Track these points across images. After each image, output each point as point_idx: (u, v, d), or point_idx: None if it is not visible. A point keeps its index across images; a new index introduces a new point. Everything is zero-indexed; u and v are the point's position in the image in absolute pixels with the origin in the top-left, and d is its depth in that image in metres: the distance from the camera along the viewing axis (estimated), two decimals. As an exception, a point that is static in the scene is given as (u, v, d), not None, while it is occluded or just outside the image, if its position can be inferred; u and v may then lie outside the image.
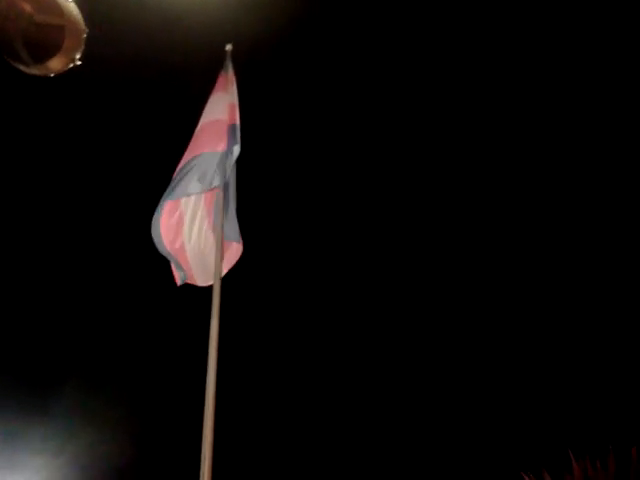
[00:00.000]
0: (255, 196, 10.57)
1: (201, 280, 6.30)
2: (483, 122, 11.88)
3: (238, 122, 6.49)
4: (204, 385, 4.95)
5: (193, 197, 6.37)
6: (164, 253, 6.27)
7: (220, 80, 7.07)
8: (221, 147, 6.33)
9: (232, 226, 6.10)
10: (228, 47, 7.25)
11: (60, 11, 3.23)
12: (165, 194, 6.24)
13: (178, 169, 6.43)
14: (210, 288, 5.55)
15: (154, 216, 6.18)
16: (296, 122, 11.29)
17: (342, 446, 12.00)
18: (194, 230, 6.43)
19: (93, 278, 12.05)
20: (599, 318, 11.66)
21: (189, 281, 6.33)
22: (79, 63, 3.43)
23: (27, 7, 3.13)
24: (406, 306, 12.53)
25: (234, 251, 6.21)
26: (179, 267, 6.29)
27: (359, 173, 12.12)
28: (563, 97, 11.53)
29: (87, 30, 3.42)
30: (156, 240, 6.21)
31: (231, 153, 6.25)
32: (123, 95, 9.15)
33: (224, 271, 6.01)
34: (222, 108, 6.75)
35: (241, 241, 6.14)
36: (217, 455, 4.68)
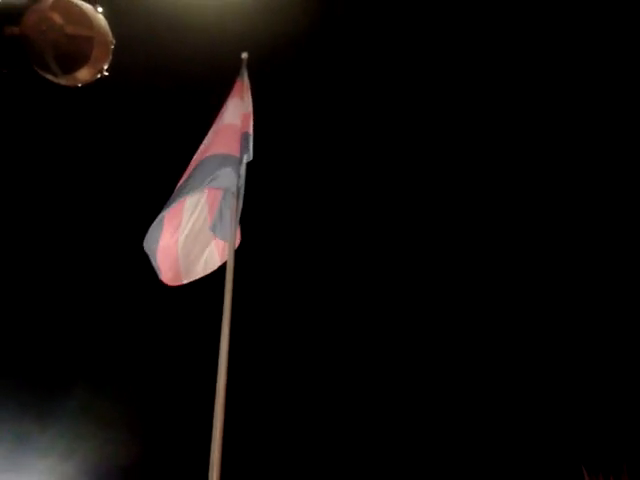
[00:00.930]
0: (269, 199, 10.65)
1: (185, 275, 6.44)
2: (495, 127, 11.89)
3: (251, 131, 6.57)
4: (214, 388, 4.97)
5: (197, 195, 6.45)
6: (148, 251, 6.32)
7: (236, 86, 7.15)
8: (234, 151, 6.40)
9: (228, 227, 6.14)
10: (244, 55, 7.35)
11: (90, 23, 3.27)
12: (171, 199, 6.30)
13: (187, 173, 6.51)
14: (221, 287, 5.62)
15: (158, 218, 6.25)
16: (309, 129, 11.36)
17: (350, 444, 11.98)
18: (189, 225, 6.51)
19: (98, 278, 12.08)
20: (613, 331, 11.62)
21: (165, 280, 6.44)
22: (106, 74, 3.47)
23: (58, 19, 3.18)
24: (418, 302, 12.53)
25: (222, 250, 6.25)
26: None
27: (372, 175, 12.18)
28: (563, 97, 11.53)
29: (114, 41, 3.47)
30: (149, 240, 6.27)
31: (243, 160, 6.34)
32: (140, 104, 9.23)
33: (216, 266, 6.16)
34: (237, 114, 6.82)
35: (236, 243, 6.17)
36: (226, 455, 4.69)
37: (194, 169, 6.46)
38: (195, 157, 6.67)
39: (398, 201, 12.50)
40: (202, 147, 6.75)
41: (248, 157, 6.34)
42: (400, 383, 12.10)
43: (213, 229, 6.44)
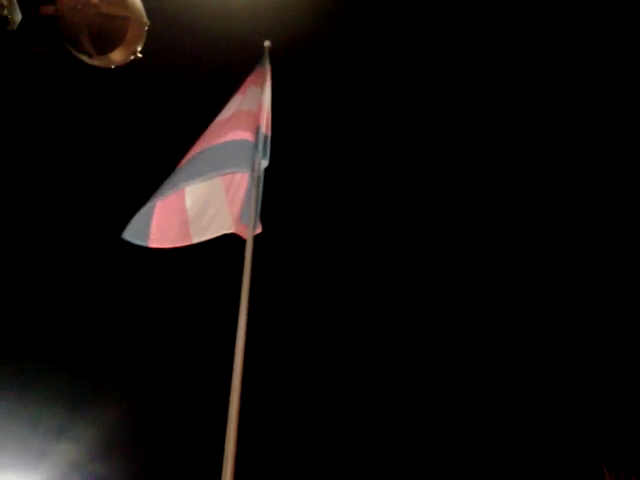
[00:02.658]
0: (288, 193, 10.62)
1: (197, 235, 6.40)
2: (499, 128, 11.82)
3: (265, 127, 6.50)
4: (229, 383, 4.94)
5: (209, 182, 6.43)
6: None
7: (257, 73, 7.07)
8: (251, 138, 6.36)
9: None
10: (267, 43, 7.23)
11: (125, 2, 3.22)
12: (178, 180, 6.26)
13: (190, 157, 6.46)
14: (238, 280, 5.61)
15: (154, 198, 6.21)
16: (329, 122, 11.30)
17: (360, 441, 11.98)
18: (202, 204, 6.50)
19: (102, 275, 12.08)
20: (633, 330, 11.54)
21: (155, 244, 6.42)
22: (140, 56, 3.42)
23: (93, -2, 3.13)
24: (422, 303, 12.51)
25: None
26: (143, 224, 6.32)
27: (389, 170, 12.12)
28: (563, 97, 11.44)
29: (149, 23, 3.42)
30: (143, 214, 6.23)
31: (262, 149, 6.30)
32: (162, 90, 9.19)
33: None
34: (255, 102, 6.76)
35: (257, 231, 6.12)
36: (240, 451, 4.67)
37: (198, 156, 6.41)
38: (201, 142, 6.58)
39: (414, 190, 12.44)
40: (215, 131, 6.66)
41: (265, 163, 6.29)
42: (419, 379, 12.08)
43: (241, 216, 6.35)
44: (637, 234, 11.56)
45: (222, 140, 6.39)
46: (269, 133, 6.46)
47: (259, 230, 6.21)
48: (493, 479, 10.78)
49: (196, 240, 6.51)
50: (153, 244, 6.39)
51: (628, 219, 11.76)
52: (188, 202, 6.47)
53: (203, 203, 6.51)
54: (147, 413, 12.05)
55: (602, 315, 11.80)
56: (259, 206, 6.19)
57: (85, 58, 3.28)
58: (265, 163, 6.25)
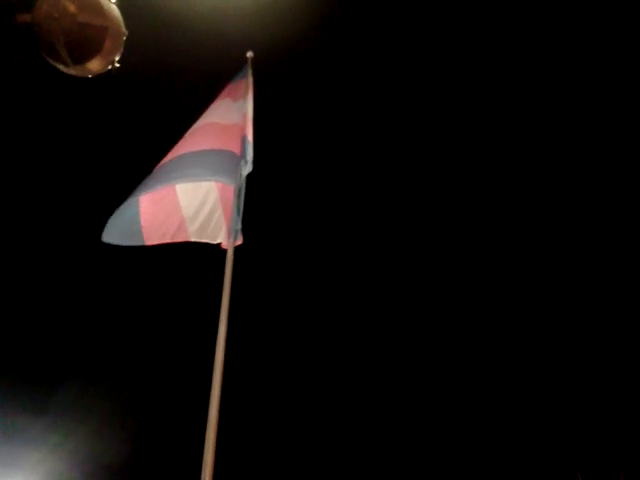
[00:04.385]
0: (270, 200, 10.60)
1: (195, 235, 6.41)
2: (494, 127, 11.86)
3: (251, 135, 6.49)
4: (209, 386, 4.91)
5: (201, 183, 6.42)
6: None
7: (236, 86, 7.06)
8: (237, 150, 6.36)
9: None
10: (249, 54, 7.22)
11: (103, 12, 3.20)
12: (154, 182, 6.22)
13: (175, 156, 6.43)
14: (218, 292, 5.57)
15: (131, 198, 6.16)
16: (311, 128, 11.32)
17: (343, 443, 11.93)
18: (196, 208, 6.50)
19: (91, 273, 11.96)
20: (609, 341, 11.62)
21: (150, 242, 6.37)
22: (118, 66, 3.40)
23: (70, 6, 3.11)
24: (414, 302, 12.51)
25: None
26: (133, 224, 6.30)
27: (373, 175, 12.14)
28: (563, 97, 11.53)
29: (127, 33, 3.40)
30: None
31: (241, 163, 6.28)
32: (142, 99, 9.15)
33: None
34: (237, 114, 6.75)
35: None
36: (219, 455, 4.64)
37: (186, 157, 6.39)
38: (184, 146, 6.56)
39: (397, 201, 12.47)
40: (191, 138, 6.65)
41: (248, 168, 6.27)
42: (392, 381, 12.08)
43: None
44: (637, 234, 11.58)
45: (210, 147, 6.37)
46: (251, 140, 6.47)
47: (240, 241, 6.19)
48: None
49: (194, 239, 6.48)
50: (149, 242, 6.32)
51: (628, 219, 11.80)
52: (182, 201, 6.45)
53: (197, 204, 6.49)
54: (126, 421, 11.93)
55: (576, 325, 11.87)
56: (240, 216, 6.18)
57: (62, 67, 3.25)
58: (249, 169, 6.23)
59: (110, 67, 3.40)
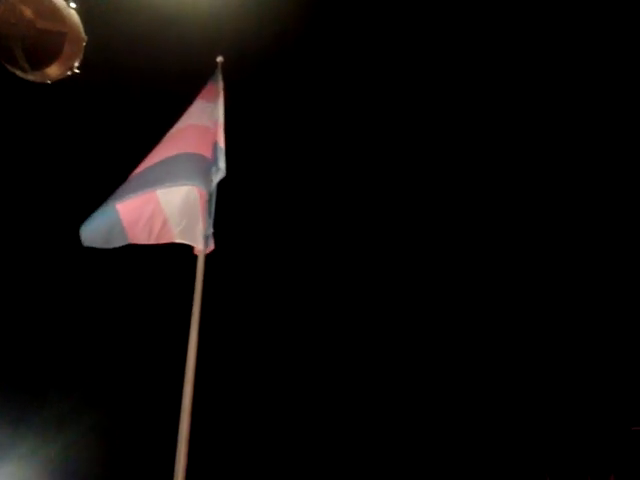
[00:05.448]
0: (244, 206, 10.57)
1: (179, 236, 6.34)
2: (492, 126, 11.84)
3: (222, 141, 6.49)
4: (181, 393, 4.89)
5: (181, 188, 6.35)
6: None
7: (209, 88, 7.06)
8: (209, 155, 6.35)
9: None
10: (219, 59, 7.22)
11: (62, 18, 3.17)
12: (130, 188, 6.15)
13: (150, 164, 6.38)
14: (190, 294, 5.54)
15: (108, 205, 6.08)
16: (282, 131, 11.30)
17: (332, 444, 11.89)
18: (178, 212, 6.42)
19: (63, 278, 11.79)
20: (587, 345, 11.72)
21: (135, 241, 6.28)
22: (77, 72, 3.37)
23: (28, 12, 3.08)
24: (405, 304, 12.48)
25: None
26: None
27: (352, 181, 12.12)
28: (563, 97, 11.59)
29: (86, 38, 3.38)
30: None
31: (212, 169, 6.27)
32: (110, 103, 9.07)
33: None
34: (209, 117, 6.75)
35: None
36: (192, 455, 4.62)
37: (162, 163, 6.35)
38: (161, 151, 6.52)
39: (382, 204, 12.45)
40: (168, 143, 6.61)
41: (221, 175, 6.25)
42: (375, 383, 12.06)
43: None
44: (637, 234, 11.62)
45: (186, 150, 6.36)
46: (223, 146, 6.46)
47: (211, 247, 6.15)
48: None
49: (178, 240, 6.40)
50: (135, 241, 6.23)
51: (628, 219, 11.85)
52: (164, 204, 6.38)
53: (178, 207, 6.44)
54: (96, 429, 11.77)
55: (550, 332, 11.96)
56: (212, 222, 6.16)
57: (19, 73, 3.22)
58: (221, 175, 6.21)
59: (70, 73, 3.37)
